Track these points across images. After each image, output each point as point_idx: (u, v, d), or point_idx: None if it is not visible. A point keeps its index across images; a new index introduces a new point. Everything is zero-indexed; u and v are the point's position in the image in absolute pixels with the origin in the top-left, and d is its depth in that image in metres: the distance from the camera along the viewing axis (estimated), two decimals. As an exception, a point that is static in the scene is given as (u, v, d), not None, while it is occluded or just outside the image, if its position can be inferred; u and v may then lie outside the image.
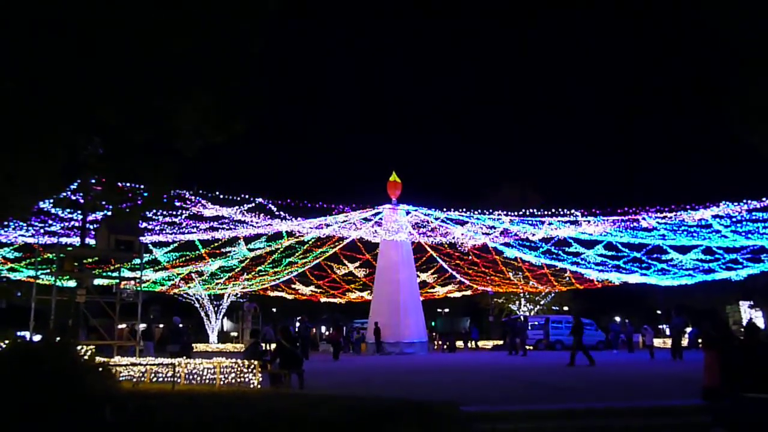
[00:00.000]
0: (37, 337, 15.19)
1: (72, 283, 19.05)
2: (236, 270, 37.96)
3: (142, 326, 23.07)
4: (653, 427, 9.80)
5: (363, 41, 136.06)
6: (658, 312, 62.72)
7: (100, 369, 10.93)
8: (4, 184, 10.74)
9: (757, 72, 10.24)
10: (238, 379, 13.98)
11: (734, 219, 24.15)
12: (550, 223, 27.54)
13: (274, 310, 57.11)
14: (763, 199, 22.22)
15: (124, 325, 23.70)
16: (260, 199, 24.12)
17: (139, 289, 20.26)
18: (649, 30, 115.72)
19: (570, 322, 39.12)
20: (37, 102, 9.70)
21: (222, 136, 11.80)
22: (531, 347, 36.85)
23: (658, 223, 25.67)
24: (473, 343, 42.21)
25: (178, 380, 14.47)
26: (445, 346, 38.21)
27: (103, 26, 9.62)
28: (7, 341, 12.03)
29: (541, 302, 49.75)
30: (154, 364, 15.49)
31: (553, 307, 51.06)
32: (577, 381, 15.62)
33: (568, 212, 25.84)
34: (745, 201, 22.69)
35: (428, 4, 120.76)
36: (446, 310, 56.87)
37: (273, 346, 19.27)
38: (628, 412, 10.34)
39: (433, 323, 45.86)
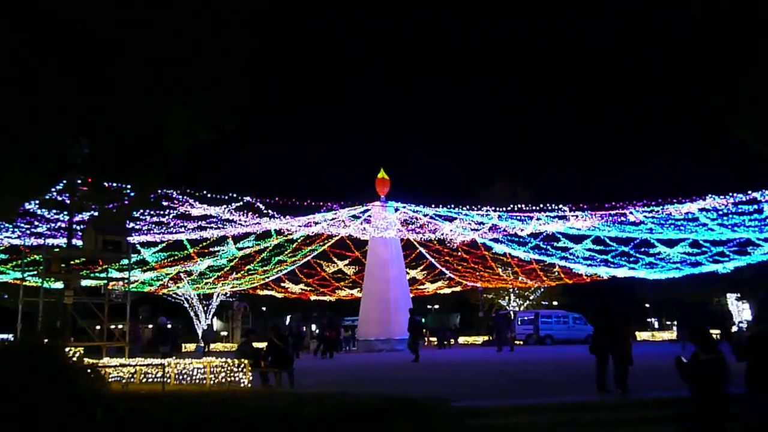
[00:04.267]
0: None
1: (59, 285, 18.87)
2: (225, 269, 37.81)
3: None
4: (647, 419, 9.86)
5: (353, 37, 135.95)
6: (647, 305, 63.15)
7: (90, 371, 10.82)
8: None
9: (746, 66, 10.27)
10: (229, 379, 13.93)
11: (720, 212, 24.31)
12: (538, 219, 27.61)
13: (264, 308, 56.93)
14: (749, 192, 22.38)
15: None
16: (248, 198, 24.02)
17: (127, 289, 20.11)
18: (636, 23, 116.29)
19: (561, 316, 39.52)
20: (26, 104, 9.58)
21: (213, 135, 11.68)
22: (521, 342, 37.03)
23: (645, 217, 25.81)
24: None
25: (168, 381, 14.40)
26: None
27: (92, 26, 9.52)
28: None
29: (531, 297, 49.95)
30: (143, 365, 15.40)
31: (543, 302, 51.29)
32: (567, 375, 15.69)
33: (556, 207, 25.95)
34: (731, 194, 22.86)
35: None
36: (436, 306, 56.97)
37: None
38: (621, 406, 10.40)
39: (423, 320, 45.87)
